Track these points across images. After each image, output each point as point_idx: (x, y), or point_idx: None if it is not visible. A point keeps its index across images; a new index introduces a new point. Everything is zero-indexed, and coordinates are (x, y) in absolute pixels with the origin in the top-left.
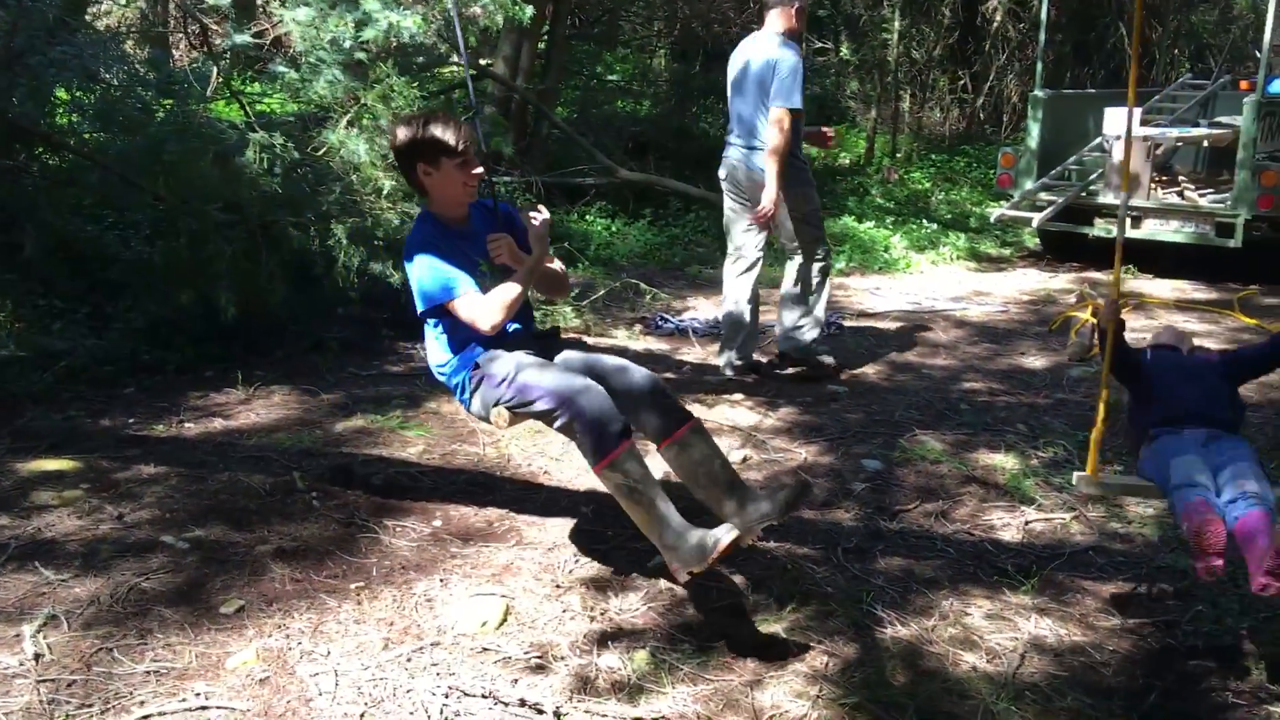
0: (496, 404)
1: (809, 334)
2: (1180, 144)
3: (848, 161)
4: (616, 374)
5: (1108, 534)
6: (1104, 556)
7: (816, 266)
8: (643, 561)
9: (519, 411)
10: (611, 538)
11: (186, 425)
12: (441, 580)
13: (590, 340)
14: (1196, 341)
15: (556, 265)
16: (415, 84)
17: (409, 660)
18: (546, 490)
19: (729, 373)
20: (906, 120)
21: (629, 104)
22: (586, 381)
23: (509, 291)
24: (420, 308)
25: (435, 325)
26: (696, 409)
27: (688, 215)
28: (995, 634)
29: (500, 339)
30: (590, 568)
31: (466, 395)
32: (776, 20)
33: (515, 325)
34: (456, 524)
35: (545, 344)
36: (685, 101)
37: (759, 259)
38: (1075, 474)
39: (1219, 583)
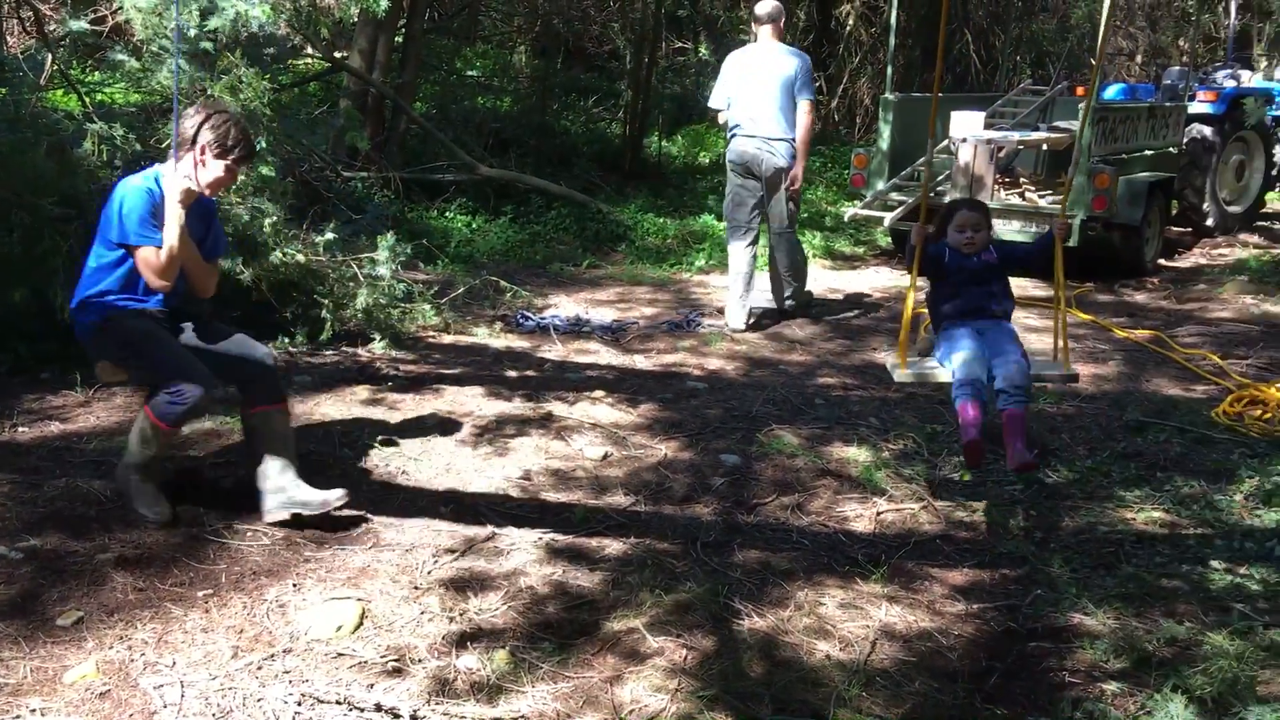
0: (106, 357)
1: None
2: (1021, 147)
3: (708, 161)
4: (238, 346)
5: (954, 522)
6: (950, 544)
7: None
8: (503, 561)
9: (124, 366)
10: (472, 538)
11: (20, 430)
12: (294, 585)
13: (450, 339)
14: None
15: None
16: (267, 76)
17: (260, 668)
18: (404, 491)
19: (742, 326)
20: None
21: (489, 100)
22: (199, 367)
23: (168, 253)
24: (116, 237)
25: (113, 256)
26: (557, 407)
27: (549, 213)
28: (848, 622)
29: (154, 301)
30: (449, 568)
31: (90, 328)
32: (774, 31)
33: (168, 299)
34: (311, 527)
35: (187, 323)
36: (546, 98)
37: (759, 233)
38: (889, 364)
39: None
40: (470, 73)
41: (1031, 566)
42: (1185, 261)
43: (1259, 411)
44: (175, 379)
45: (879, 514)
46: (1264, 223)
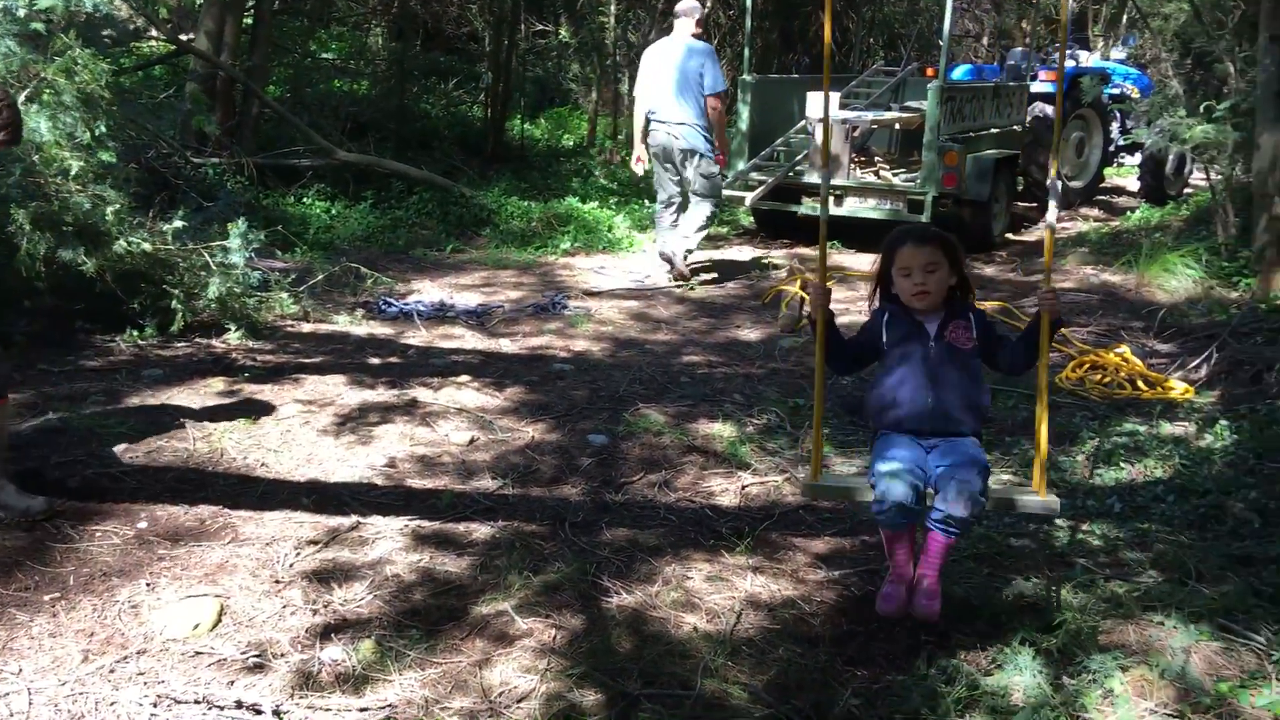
0: None
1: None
2: (875, 127)
3: (571, 144)
4: None
5: None
6: (813, 514)
7: (712, 209)
8: (368, 550)
9: None
10: (335, 528)
11: None
12: (148, 584)
13: (309, 327)
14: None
15: None
16: (105, 58)
17: (112, 671)
18: (264, 483)
19: (685, 270)
20: (626, 103)
21: (346, 83)
22: None
23: None
24: None
25: None
26: (422, 393)
27: (411, 197)
28: (714, 595)
29: None
30: (312, 560)
31: None
32: (687, 26)
33: None
34: (164, 524)
35: None
36: (405, 81)
37: (679, 205)
38: (802, 478)
39: None
40: (325, 55)
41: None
42: (1030, 235)
43: (1099, 376)
44: None
45: (744, 488)
46: (1103, 197)
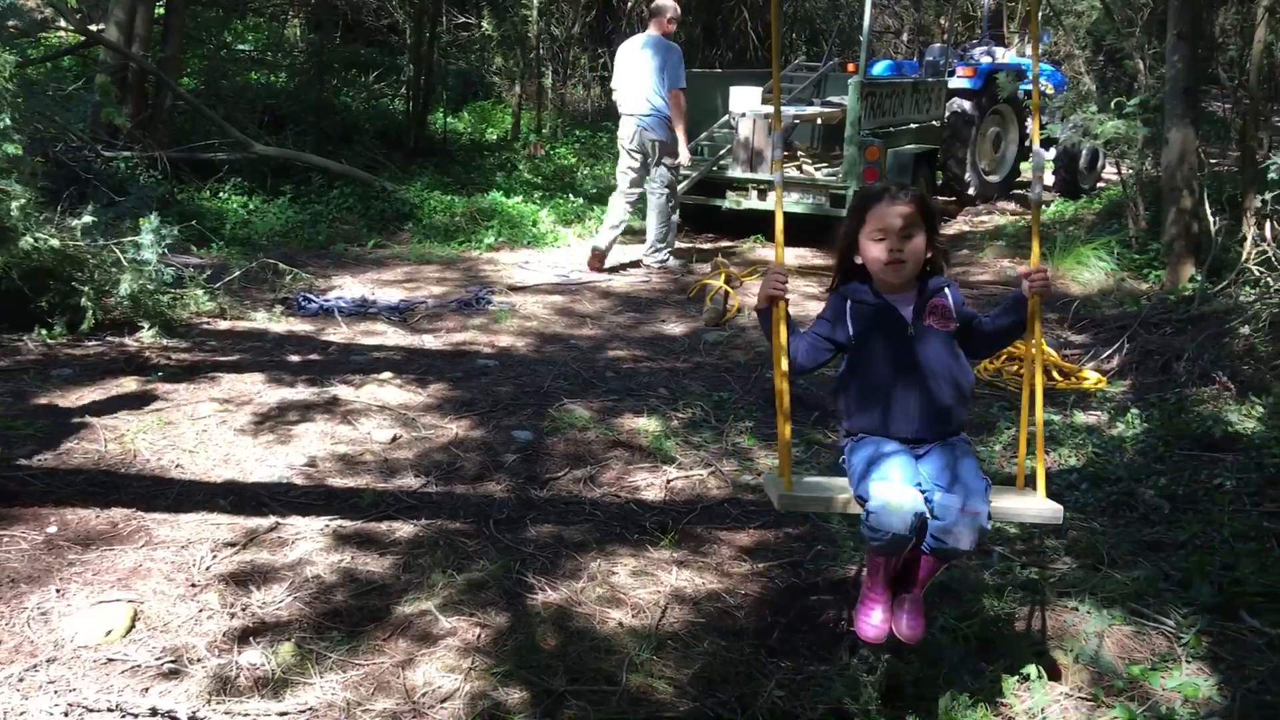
0: None
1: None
2: (798, 122)
3: (494, 137)
4: None
5: (740, 486)
6: (737, 507)
7: (668, 203)
8: (287, 551)
9: None
10: (253, 530)
11: None
12: (58, 590)
13: (226, 325)
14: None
15: None
16: (11, 50)
17: (21, 680)
18: (179, 485)
19: (604, 246)
20: (550, 96)
21: (263, 75)
22: None
23: None
24: None
25: None
26: (343, 390)
27: (331, 192)
28: (639, 589)
29: None
30: (230, 562)
31: None
32: (658, 23)
33: None
34: (75, 528)
35: None
36: (325, 74)
37: (638, 195)
38: (768, 483)
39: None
40: (241, 47)
41: (813, 524)
42: (950, 229)
43: (1015, 367)
44: None
45: (669, 482)
46: (1019, 191)
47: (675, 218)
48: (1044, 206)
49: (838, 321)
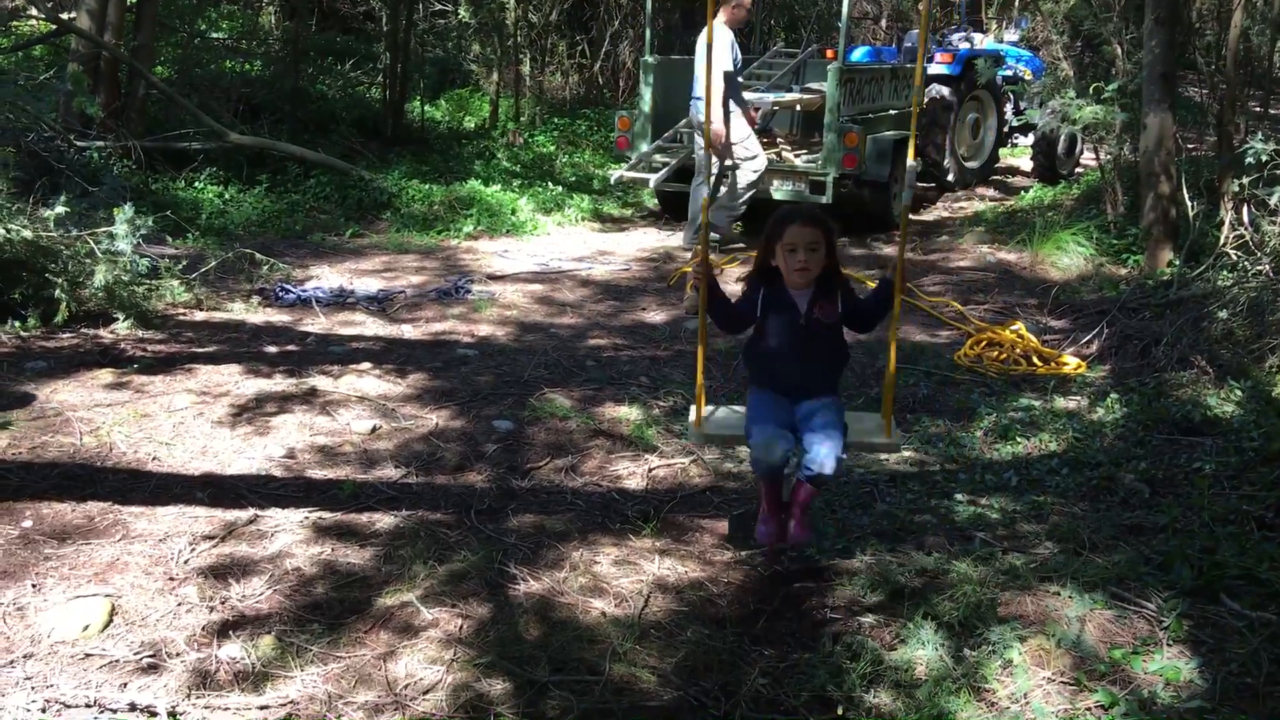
0: None
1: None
2: (777, 108)
3: (473, 125)
4: None
5: (722, 474)
6: (719, 495)
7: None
8: (266, 543)
9: None
10: (232, 522)
11: None
12: (34, 585)
13: (203, 315)
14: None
15: None
16: None
17: None
18: (156, 478)
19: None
20: (528, 84)
21: (238, 64)
22: None
23: None
24: None
25: None
26: (321, 381)
27: (308, 181)
28: (622, 578)
29: None
30: (208, 555)
31: None
32: (719, 13)
33: None
34: (51, 522)
35: None
36: (300, 62)
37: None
38: (690, 422)
39: (818, 511)
40: (215, 35)
41: None
42: (929, 215)
43: (996, 353)
44: None
45: (650, 470)
46: (998, 177)
47: (741, 201)
48: (985, 200)
49: (752, 302)
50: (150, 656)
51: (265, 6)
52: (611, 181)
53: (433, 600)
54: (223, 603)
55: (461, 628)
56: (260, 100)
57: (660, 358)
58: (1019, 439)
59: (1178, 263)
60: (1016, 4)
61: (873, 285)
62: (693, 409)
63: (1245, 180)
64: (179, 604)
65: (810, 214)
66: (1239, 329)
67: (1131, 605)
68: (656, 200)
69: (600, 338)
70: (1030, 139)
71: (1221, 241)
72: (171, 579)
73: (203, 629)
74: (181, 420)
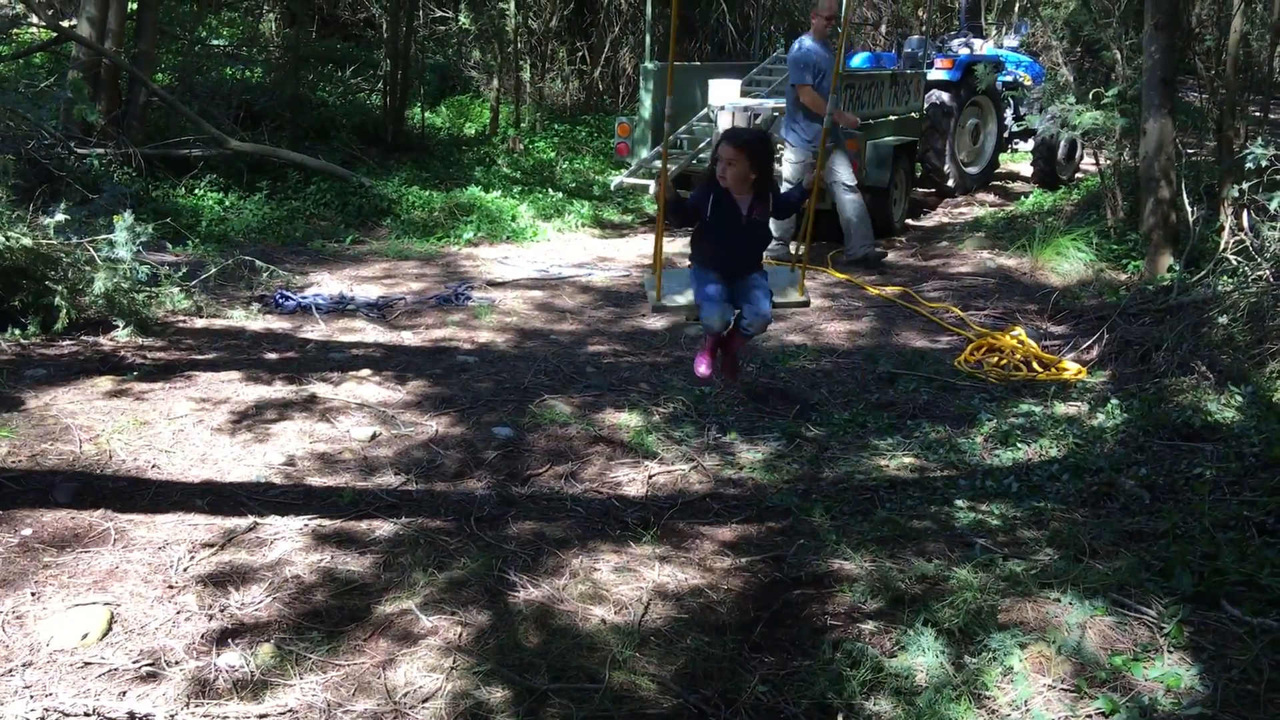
0: None
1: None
2: (776, 114)
3: (473, 132)
4: None
5: (722, 480)
6: (719, 502)
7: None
8: (266, 551)
9: None
10: (231, 530)
11: None
12: (34, 594)
13: (203, 323)
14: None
15: None
16: None
17: None
18: (155, 485)
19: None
20: (528, 90)
21: (238, 70)
22: None
23: None
24: None
25: None
26: (321, 388)
27: (308, 188)
28: (622, 586)
29: None
30: (208, 563)
31: None
32: (812, 25)
33: None
34: (50, 530)
35: None
36: (301, 69)
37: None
38: (649, 294)
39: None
40: (216, 42)
41: (795, 518)
42: (929, 221)
43: (996, 359)
44: None
45: (650, 477)
46: (998, 182)
47: (850, 212)
48: (985, 206)
49: (704, 200)
50: (149, 665)
51: (266, 14)
52: (612, 188)
53: (432, 608)
54: (222, 611)
55: (461, 635)
56: (261, 107)
57: (660, 364)
58: (1019, 445)
59: (1178, 268)
60: (1016, 9)
61: (874, 291)
62: (650, 281)
63: (1245, 185)
64: (178, 612)
65: (736, 135)
66: (1239, 334)
67: (1132, 611)
68: (657, 206)
69: (600, 344)
70: (1030, 144)
71: (1222, 247)
72: (171, 587)
73: (202, 637)
74: (181, 428)
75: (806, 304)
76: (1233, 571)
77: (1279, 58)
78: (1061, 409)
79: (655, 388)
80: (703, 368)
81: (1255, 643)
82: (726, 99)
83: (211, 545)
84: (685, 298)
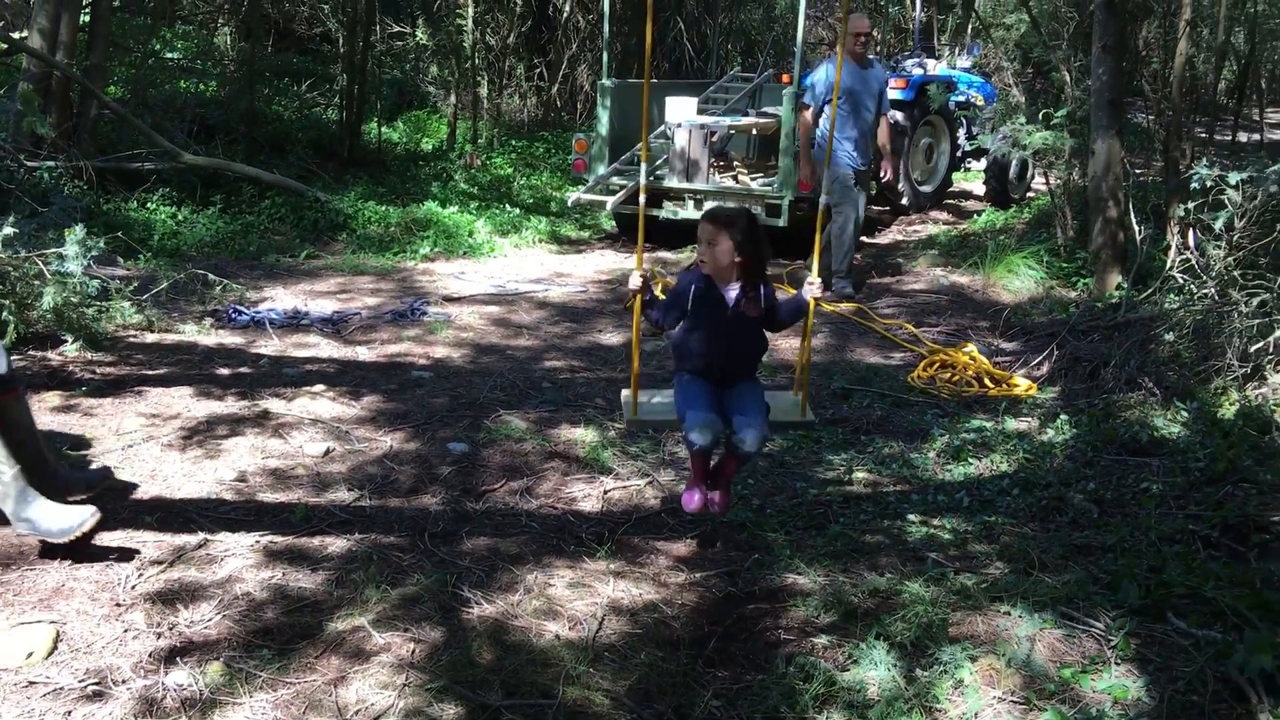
0: None
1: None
2: (733, 132)
3: (430, 147)
4: None
5: (678, 496)
6: (674, 517)
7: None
8: (216, 568)
9: None
10: (181, 547)
11: None
12: None
13: (154, 338)
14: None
15: None
16: None
17: None
18: (103, 502)
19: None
20: (486, 106)
21: (192, 84)
22: None
23: None
24: None
25: None
26: (274, 404)
27: (263, 202)
28: (576, 601)
29: None
30: (156, 581)
31: None
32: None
33: None
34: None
35: None
36: (256, 83)
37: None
38: (625, 403)
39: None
40: (169, 55)
41: (750, 533)
42: (884, 238)
43: (948, 375)
44: None
45: (606, 492)
46: (951, 201)
47: (843, 244)
48: (939, 224)
49: (683, 297)
50: (96, 684)
51: (220, 27)
52: (569, 204)
53: (385, 624)
54: (170, 629)
55: (414, 652)
56: (215, 121)
57: (616, 380)
58: (971, 460)
59: (1126, 286)
60: (969, 31)
61: (828, 307)
62: (625, 393)
63: (1191, 205)
64: (125, 630)
65: (716, 213)
66: (1185, 351)
67: (1080, 624)
68: (614, 223)
69: (556, 360)
70: (983, 164)
71: (1168, 265)
72: (118, 605)
73: (150, 655)
74: (130, 443)
75: (812, 424)
76: (1178, 584)
77: (1223, 81)
78: (1012, 424)
79: (611, 403)
80: (693, 501)
81: (1200, 654)
82: (683, 116)
83: (160, 563)
84: (666, 410)
